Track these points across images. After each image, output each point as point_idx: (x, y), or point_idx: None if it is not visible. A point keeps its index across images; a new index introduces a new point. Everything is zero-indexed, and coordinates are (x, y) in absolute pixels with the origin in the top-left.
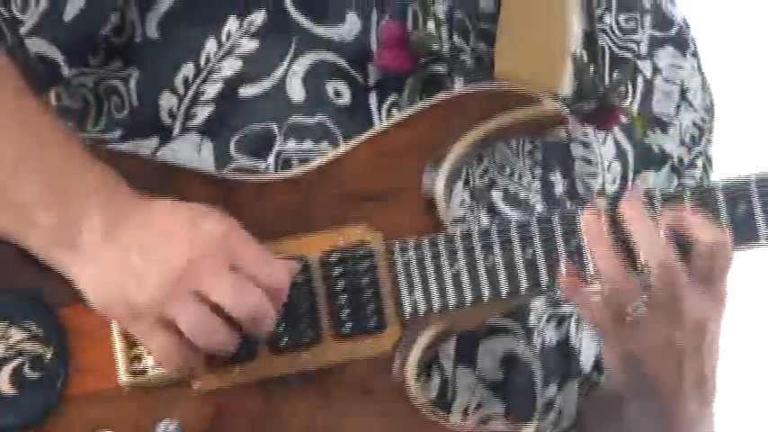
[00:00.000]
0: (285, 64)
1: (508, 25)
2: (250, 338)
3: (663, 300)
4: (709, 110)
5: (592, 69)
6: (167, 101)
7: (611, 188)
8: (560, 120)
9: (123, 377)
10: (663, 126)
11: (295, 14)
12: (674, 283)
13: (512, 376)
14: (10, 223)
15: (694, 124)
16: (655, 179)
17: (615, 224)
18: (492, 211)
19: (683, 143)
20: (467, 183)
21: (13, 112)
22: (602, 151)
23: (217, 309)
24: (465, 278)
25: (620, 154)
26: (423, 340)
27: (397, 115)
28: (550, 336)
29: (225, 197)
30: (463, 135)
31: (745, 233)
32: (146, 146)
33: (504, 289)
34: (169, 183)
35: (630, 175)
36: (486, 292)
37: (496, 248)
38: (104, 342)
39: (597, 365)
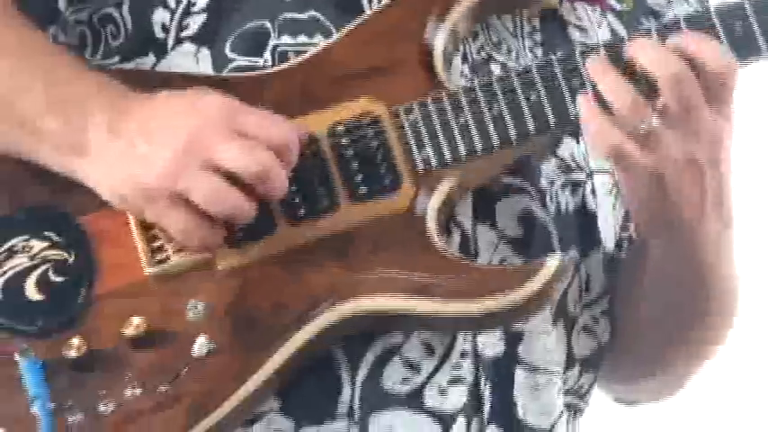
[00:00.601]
0: None
1: None
2: (267, 210)
3: (678, 114)
4: (703, 2)
5: None
6: (160, 16)
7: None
8: None
9: (148, 268)
10: (656, 15)
11: None
12: (689, 96)
13: (531, 233)
14: (17, 136)
15: None
16: None
17: (618, 60)
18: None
19: None
20: (464, 59)
21: (4, 30)
22: (599, 35)
23: (228, 176)
24: (473, 128)
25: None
26: (438, 194)
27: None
28: (566, 201)
29: (223, 91)
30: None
31: (746, 50)
32: (143, 63)
33: (513, 133)
34: (159, 87)
35: None
36: (495, 139)
37: (500, 97)
38: (125, 240)
39: (618, 244)
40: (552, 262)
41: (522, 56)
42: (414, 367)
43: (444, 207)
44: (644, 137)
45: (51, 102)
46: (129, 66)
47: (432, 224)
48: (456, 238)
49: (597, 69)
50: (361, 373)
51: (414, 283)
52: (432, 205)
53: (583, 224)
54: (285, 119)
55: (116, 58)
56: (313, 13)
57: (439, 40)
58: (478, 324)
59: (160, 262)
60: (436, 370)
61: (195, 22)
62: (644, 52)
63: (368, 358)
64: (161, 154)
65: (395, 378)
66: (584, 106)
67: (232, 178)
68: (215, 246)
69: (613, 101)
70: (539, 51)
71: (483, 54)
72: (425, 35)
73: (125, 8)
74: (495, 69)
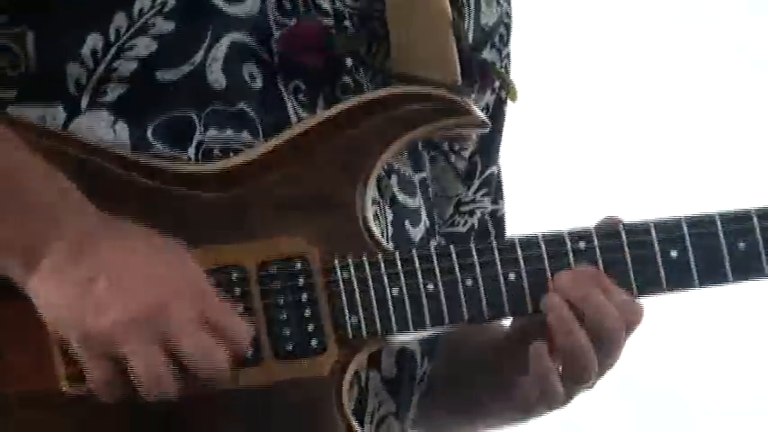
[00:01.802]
0: (203, 49)
1: (397, 23)
2: None
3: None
4: None
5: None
6: (74, 71)
7: None
8: (484, 128)
9: (62, 381)
10: (491, 39)
11: None
12: (610, 350)
13: (402, 371)
14: None
15: (502, 23)
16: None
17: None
18: (393, 202)
19: (493, 46)
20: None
21: None
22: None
23: (173, 357)
24: (407, 304)
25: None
26: (358, 359)
27: (326, 112)
28: None
29: (152, 190)
30: (396, 140)
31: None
32: (52, 115)
33: (446, 317)
34: (88, 165)
35: None
36: (427, 319)
37: (437, 275)
38: (40, 342)
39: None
40: None
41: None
42: None
43: (361, 367)
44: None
45: (6, 208)
46: (34, 110)
47: (346, 394)
48: (355, 392)
49: (565, 326)
50: None
51: None
52: (349, 372)
53: None
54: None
55: (13, 93)
56: (241, 106)
57: (371, 186)
58: None
59: (75, 379)
60: None
61: (114, 91)
62: (579, 292)
63: None
64: (119, 307)
65: None
66: (535, 357)
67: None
68: (119, 400)
69: (568, 359)
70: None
71: (385, 167)
72: (359, 179)
73: (29, 46)
74: (394, 182)
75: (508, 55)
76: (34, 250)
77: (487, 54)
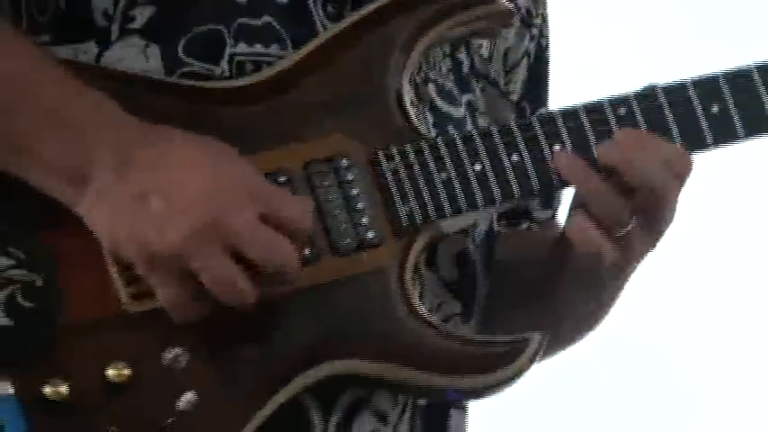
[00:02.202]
0: None
1: None
2: None
3: (650, 221)
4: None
5: None
6: (101, 2)
7: (486, 52)
8: (510, 17)
9: (125, 303)
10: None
11: None
12: (663, 199)
13: (464, 275)
14: (7, 155)
15: None
16: (512, 36)
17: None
18: (433, 108)
19: None
20: (410, 81)
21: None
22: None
23: (243, 260)
24: (457, 186)
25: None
26: (416, 250)
27: (351, 17)
28: (482, 226)
29: (188, 109)
30: (425, 33)
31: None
32: (84, 51)
33: (497, 194)
34: (123, 95)
35: None
36: (479, 198)
37: (483, 155)
38: (96, 266)
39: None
40: (534, 342)
41: (438, 62)
42: (382, 418)
43: (421, 256)
44: (619, 238)
45: (46, 124)
46: (65, 49)
47: (410, 284)
48: (417, 288)
49: (578, 175)
50: (334, 420)
51: (397, 350)
52: (410, 261)
53: (490, 247)
54: (303, 201)
55: (46, 37)
56: (267, 18)
57: (405, 78)
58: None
59: (137, 297)
60: (399, 419)
61: (142, 15)
62: (622, 157)
63: (338, 408)
64: (179, 223)
65: (364, 429)
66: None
67: (245, 260)
68: (195, 317)
69: (596, 208)
70: (447, 50)
71: (422, 75)
72: (390, 71)
73: None
74: (432, 89)
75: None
76: (79, 170)
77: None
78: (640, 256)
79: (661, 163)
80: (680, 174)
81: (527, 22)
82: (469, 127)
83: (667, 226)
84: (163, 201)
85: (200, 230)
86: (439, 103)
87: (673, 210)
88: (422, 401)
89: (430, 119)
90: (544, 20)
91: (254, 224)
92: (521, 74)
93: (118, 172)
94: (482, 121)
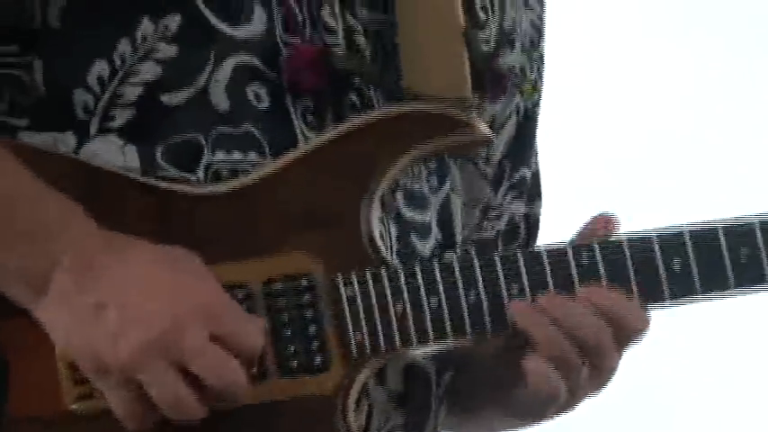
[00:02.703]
0: (207, 72)
1: (408, 37)
2: None
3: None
4: (542, 1)
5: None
6: (81, 97)
7: None
8: (489, 143)
9: (70, 401)
10: (512, 43)
11: (210, 16)
12: (607, 352)
13: (411, 384)
14: None
15: (532, 25)
16: (500, 104)
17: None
18: (399, 219)
19: (523, 49)
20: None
21: None
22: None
23: (191, 377)
24: (409, 320)
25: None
26: (363, 376)
27: (331, 132)
28: None
29: (161, 210)
30: (399, 158)
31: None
32: (63, 141)
33: (450, 332)
34: (100, 189)
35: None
36: (430, 334)
37: (440, 289)
38: (46, 361)
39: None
40: None
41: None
42: None
43: (365, 384)
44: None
45: (9, 236)
46: (44, 137)
47: (351, 411)
48: (364, 408)
49: (531, 322)
50: None
51: None
52: (355, 389)
53: None
54: (255, 322)
55: (24, 120)
56: (247, 126)
57: (376, 201)
58: None
59: (84, 397)
60: None
61: (122, 116)
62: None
63: None
64: (130, 337)
65: None
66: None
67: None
68: (146, 427)
69: (548, 353)
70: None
71: (392, 183)
72: (363, 195)
73: (37, 75)
74: (399, 197)
75: (541, 57)
76: (40, 278)
77: (513, 58)
78: (584, 395)
79: (601, 308)
80: (619, 321)
81: (518, 84)
82: (434, 230)
83: (612, 373)
84: (117, 314)
85: (150, 345)
86: (404, 212)
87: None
88: None
89: (394, 231)
90: (539, 74)
91: (203, 343)
92: (507, 132)
93: (78, 279)
94: (458, 206)
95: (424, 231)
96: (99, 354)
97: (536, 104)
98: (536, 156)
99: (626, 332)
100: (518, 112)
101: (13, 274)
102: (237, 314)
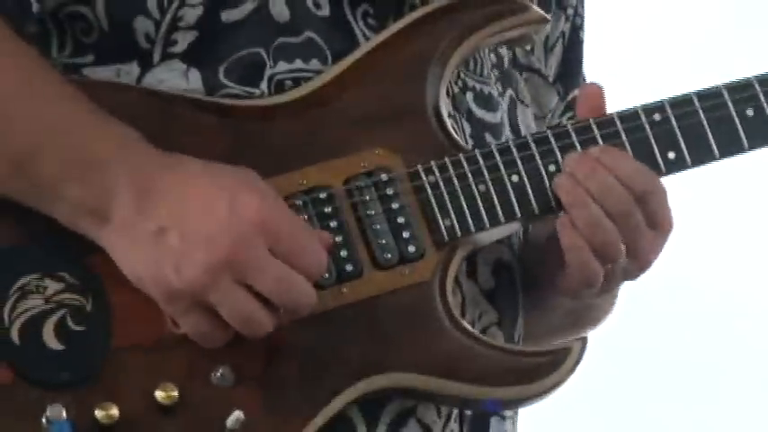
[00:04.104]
0: None
1: None
2: None
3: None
4: None
5: None
6: (142, 24)
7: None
8: (544, 24)
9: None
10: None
11: None
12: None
13: (500, 282)
14: (32, 195)
15: None
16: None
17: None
18: (470, 117)
19: None
20: (447, 92)
21: (18, 80)
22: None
23: (258, 294)
24: (495, 198)
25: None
26: (456, 262)
27: (388, 30)
28: (519, 232)
29: (231, 126)
30: (462, 43)
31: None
32: (127, 71)
33: (534, 205)
34: (166, 113)
35: None
36: (517, 210)
37: (519, 165)
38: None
39: None
40: (575, 349)
41: (479, 63)
42: (427, 429)
43: (460, 268)
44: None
45: (68, 166)
46: (108, 70)
47: (451, 296)
48: (458, 299)
49: (571, 195)
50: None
51: (443, 363)
52: (450, 274)
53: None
54: (315, 236)
55: (89, 57)
56: (308, 34)
57: (442, 90)
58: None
59: None
60: (443, 430)
61: (184, 39)
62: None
63: (384, 419)
64: (194, 258)
65: None
66: (565, 233)
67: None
68: (221, 344)
69: (591, 238)
70: (493, 57)
71: (459, 84)
72: (428, 84)
73: (99, 8)
74: (469, 98)
75: None
76: (101, 206)
77: None
78: (621, 281)
79: (622, 178)
80: (643, 192)
81: (562, 5)
82: (507, 131)
83: (643, 255)
84: (179, 237)
85: (214, 266)
86: (476, 111)
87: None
88: (467, 411)
89: (467, 129)
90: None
91: (264, 260)
92: (556, 57)
93: (137, 205)
94: (527, 113)
95: (496, 131)
96: (165, 279)
97: (580, 26)
98: (584, 80)
99: (646, 196)
100: (564, 36)
101: (76, 205)
102: (298, 230)
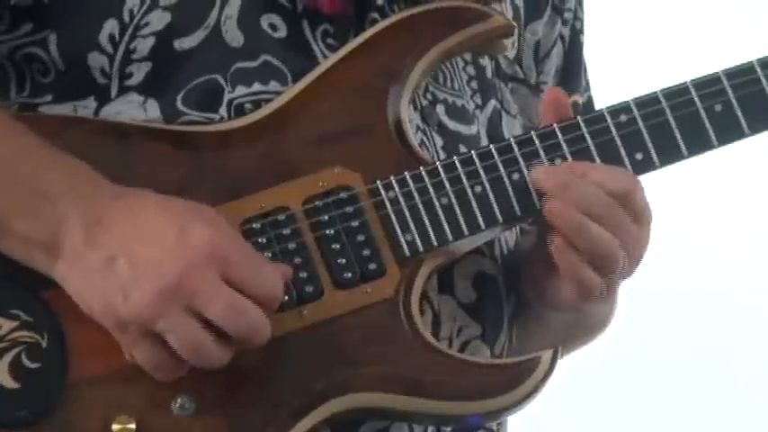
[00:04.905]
0: (216, 9)
1: None
2: None
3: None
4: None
5: None
6: (96, 60)
7: (513, 52)
8: (510, 32)
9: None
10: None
11: None
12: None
13: (483, 294)
14: None
15: None
16: (542, 27)
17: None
18: (442, 129)
19: None
20: (415, 106)
21: None
22: None
23: (208, 322)
24: (457, 209)
25: (516, 11)
26: (421, 277)
27: (347, 46)
28: (506, 239)
29: (188, 152)
30: (423, 55)
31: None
32: (84, 106)
33: (498, 214)
34: (121, 144)
35: (524, 30)
36: (480, 221)
37: (482, 174)
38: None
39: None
40: (546, 357)
41: (454, 78)
42: None
43: (426, 284)
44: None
45: (17, 200)
46: (65, 107)
47: (416, 312)
48: (429, 316)
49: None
50: None
51: (408, 380)
52: (416, 290)
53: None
54: (270, 264)
55: (48, 97)
56: (265, 57)
57: (404, 105)
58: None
59: None
60: None
61: (139, 71)
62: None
63: None
64: (143, 287)
65: None
66: (563, 257)
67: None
68: (176, 377)
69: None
70: (468, 58)
71: (429, 96)
72: (388, 99)
73: (53, 48)
74: (440, 110)
75: None
76: (52, 239)
77: None
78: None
79: (595, 185)
80: (623, 193)
81: (558, 9)
82: (483, 143)
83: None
84: (128, 265)
85: (162, 294)
86: (448, 123)
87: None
88: (446, 429)
89: (438, 141)
90: (579, 2)
91: (215, 287)
92: (554, 62)
93: (86, 236)
94: (514, 124)
95: (472, 143)
96: (115, 307)
97: (580, 30)
98: (587, 84)
99: (627, 196)
100: (563, 40)
101: (27, 239)
102: (251, 258)
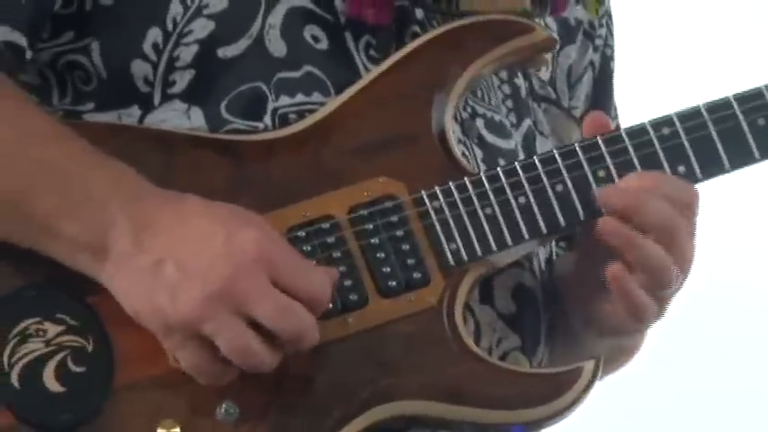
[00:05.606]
0: (260, 19)
1: None
2: None
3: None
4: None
5: None
6: (140, 68)
7: (547, 75)
8: (552, 45)
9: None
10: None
11: None
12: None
13: (522, 307)
14: (29, 235)
15: None
16: (575, 52)
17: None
18: (482, 142)
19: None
20: (455, 119)
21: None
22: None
23: (256, 325)
24: (501, 220)
25: None
26: (465, 286)
27: (390, 58)
28: (541, 256)
29: (232, 160)
30: (468, 66)
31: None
32: (128, 115)
33: (542, 225)
34: (169, 151)
35: (557, 54)
36: (524, 231)
37: (526, 186)
38: (144, 327)
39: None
40: (588, 367)
41: (491, 95)
42: None
43: (470, 295)
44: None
45: (64, 203)
46: (110, 115)
47: (460, 320)
48: (471, 326)
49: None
50: None
51: (450, 388)
52: (459, 299)
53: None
54: (318, 267)
55: (90, 105)
56: (307, 68)
57: (448, 115)
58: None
59: None
60: None
61: (182, 79)
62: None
63: None
64: (191, 291)
65: None
66: (613, 274)
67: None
68: (222, 383)
69: (647, 279)
70: (504, 76)
71: (468, 110)
72: (433, 109)
73: (95, 56)
74: (480, 124)
75: (608, 14)
76: (99, 241)
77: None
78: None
79: (664, 199)
80: (686, 206)
81: (590, 35)
82: (521, 157)
83: (688, 266)
84: (176, 268)
85: (211, 296)
86: (488, 137)
87: (688, 247)
88: None
89: (479, 154)
90: (609, 30)
91: (263, 289)
92: (585, 87)
93: (134, 239)
94: (547, 144)
95: (510, 157)
96: (162, 311)
97: (611, 57)
98: (615, 110)
99: (688, 209)
100: (593, 66)
101: (73, 242)
102: (299, 261)
